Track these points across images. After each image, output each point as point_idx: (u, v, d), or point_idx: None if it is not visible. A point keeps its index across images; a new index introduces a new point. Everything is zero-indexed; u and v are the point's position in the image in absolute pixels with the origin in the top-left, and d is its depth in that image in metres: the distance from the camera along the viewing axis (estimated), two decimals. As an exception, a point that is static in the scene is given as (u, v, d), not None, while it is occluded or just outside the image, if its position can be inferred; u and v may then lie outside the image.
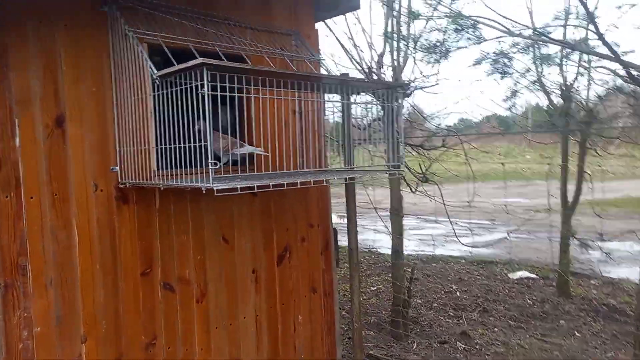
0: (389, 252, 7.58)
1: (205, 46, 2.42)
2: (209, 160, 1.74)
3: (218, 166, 1.77)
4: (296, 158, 2.91)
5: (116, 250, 2.30)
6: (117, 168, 2.28)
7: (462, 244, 5.46)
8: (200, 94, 1.77)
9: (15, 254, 2.02)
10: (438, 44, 4.67)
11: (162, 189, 2.29)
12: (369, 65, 5.29)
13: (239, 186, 1.80)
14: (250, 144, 2.79)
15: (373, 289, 6.69)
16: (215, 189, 1.73)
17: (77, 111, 2.19)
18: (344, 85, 2.55)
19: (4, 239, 2.00)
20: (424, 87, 4.81)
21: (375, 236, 8.72)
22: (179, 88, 1.92)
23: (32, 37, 2.07)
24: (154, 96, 2.09)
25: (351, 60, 5.10)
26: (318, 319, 3.17)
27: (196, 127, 2.71)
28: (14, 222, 2.02)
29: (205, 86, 1.73)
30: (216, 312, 2.65)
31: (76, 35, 2.18)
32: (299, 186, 2.19)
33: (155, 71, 1.98)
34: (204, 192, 1.77)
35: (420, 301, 6.24)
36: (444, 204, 4.86)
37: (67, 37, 2.16)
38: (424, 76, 4.99)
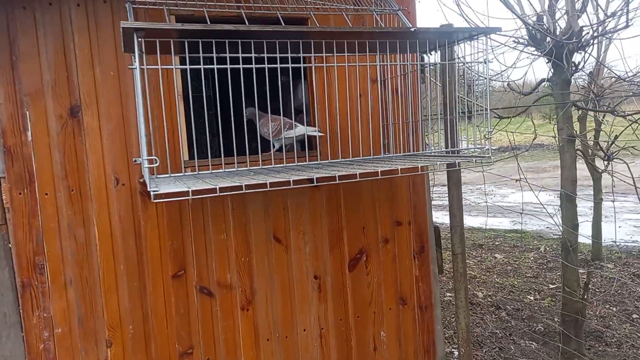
0: (587, 240, 6.16)
1: (229, 10, 1.99)
2: (143, 157, 1.34)
3: (157, 164, 1.35)
4: (377, 140, 2.31)
5: (142, 249, 2.10)
6: (141, 160, 2.05)
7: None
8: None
9: (31, 252, 1.96)
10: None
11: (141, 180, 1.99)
12: (536, 12, 4.17)
13: (190, 189, 1.36)
14: (311, 125, 2.30)
15: (551, 287, 5.50)
16: (152, 194, 1.33)
17: (93, 99, 2.01)
18: (413, 40, 1.84)
19: (19, 237, 1.95)
20: (606, 34, 3.53)
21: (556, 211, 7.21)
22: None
23: (42, 20, 1.93)
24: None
25: (507, 7, 4.05)
26: (410, 337, 2.55)
27: (245, 114, 2.35)
28: (28, 219, 1.95)
29: (137, 58, 1.31)
30: (267, 322, 2.28)
31: (91, 14, 1.99)
32: (337, 181, 1.64)
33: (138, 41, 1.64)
34: (152, 198, 1.38)
35: (614, 309, 4.88)
36: (634, 186, 3.55)
37: (80, 16, 1.98)
38: (609, 19, 3.68)
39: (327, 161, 1.88)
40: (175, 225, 2.14)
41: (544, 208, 3.92)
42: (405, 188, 2.49)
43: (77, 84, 1.99)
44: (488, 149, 1.74)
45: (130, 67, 1.38)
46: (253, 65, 1.50)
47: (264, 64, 1.57)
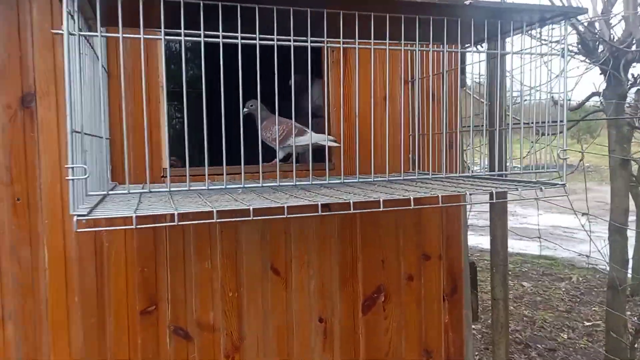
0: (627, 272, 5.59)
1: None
2: (69, 164, 0.91)
3: (87, 175, 0.92)
4: (406, 154, 1.87)
5: (104, 278, 1.67)
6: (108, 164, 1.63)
7: None
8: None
9: (-39, 276, 1.55)
10: None
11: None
12: (589, 17, 3.69)
13: (134, 216, 0.92)
14: (322, 132, 1.87)
15: (587, 324, 4.93)
16: (74, 220, 0.90)
17: (52, 86, 1.60)
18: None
19: (-54, 256, 1.54)
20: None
21: (604, 245, 6.63)
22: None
23: (-9, -13, 1.54)
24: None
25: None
26: (435, 399, 2.07)
27: (244, 110, 1.93)
28: (-41, 234, 1.55)
29: (65, 18, 0.89)
30: (257, 375, 1.83)
31: (55, -18, 1.59)
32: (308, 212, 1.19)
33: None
34: (75, 225, 0.94)
35: (660, 355, 4.30)
36: None
37: (41, -15, 1.58)
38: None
39: (338, 181, 1.42)
40: (148, 248, 1.71)
41: (591, 241, 3.39)
42: (436, 214, 2.03)
43: (32, 67, 1.58)
44: (562, 173, 1.27)
45: (55, 31, 0.96)
46: (238, 41, 1.06)
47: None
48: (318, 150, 1.91)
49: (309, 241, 1.87)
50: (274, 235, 1.83)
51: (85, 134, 1.00)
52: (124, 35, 0.98)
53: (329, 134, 1.85)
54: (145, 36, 0.97)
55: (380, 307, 1.98)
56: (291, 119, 1.73)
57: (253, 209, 0.98)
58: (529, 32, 1.44)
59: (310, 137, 1.67)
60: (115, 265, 1.68)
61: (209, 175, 1.70)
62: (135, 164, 1.65)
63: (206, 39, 1.00)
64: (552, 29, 1.43)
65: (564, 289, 5.90)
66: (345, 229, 1.92)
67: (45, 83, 1.60)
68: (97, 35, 1.00)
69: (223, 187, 1.09)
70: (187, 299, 1.75)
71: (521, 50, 1.34)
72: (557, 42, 1.53)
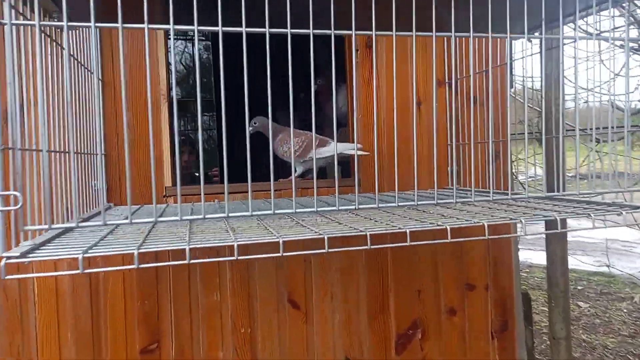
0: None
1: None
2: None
3: (19, 205, 0.73)
4: (442, 167, 1.61)
5: (100, 312, 1.48)
6: (104, 183, 1.46)
7: None
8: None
9: (-58, 309, 1.40)
10: None
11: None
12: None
13: (81, 256, 0.71)
14: (346, 141, 1.64)
15: (652, 351, 4.42)
16: (2, 264, 0.70)
17: (41, 96, 1.44)
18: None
19: None
20: None
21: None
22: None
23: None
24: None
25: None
26: None
27: (249, 129, 1.73)
28: (-60, 263, 1.39)
29: (6, 7, 0.70)
30: (274, 423, 1.60)
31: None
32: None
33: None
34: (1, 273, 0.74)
35: None
36: None
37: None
38: None
39: (351, 207, 1.17)
40: (149, 278, 1.51)
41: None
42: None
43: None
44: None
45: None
46: (219, 29, 0.84)
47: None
48: (342, 165, 1.68)
49: (332, 269, 1.63)
50: (291, 263, 1.60)
51: (22, 149, 0.81)
52: (69, 24, 0.78)
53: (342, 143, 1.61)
54: (98, 25, 0.77)
55: (417, 345, 1.71)
56: (309, 130, 1.50)
57: (238, 244, 0.75)
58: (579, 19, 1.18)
59: (347, 146, 1.44)
60: (112, 298, 1.49)
61: (217, 194, 1.49)
62: (133, 182, 1.47)
63: (177, 27, 0.79)
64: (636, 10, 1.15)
65: (625, 310, 5.37)
66: (374, 255, 1.67)
67: (33, 92, 1.43)
68: (34, 25, 0.81)
69: (202, 217, 0.87)
70: (194, 336, 1.54)
71: (593, 34, 1.07)
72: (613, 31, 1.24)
